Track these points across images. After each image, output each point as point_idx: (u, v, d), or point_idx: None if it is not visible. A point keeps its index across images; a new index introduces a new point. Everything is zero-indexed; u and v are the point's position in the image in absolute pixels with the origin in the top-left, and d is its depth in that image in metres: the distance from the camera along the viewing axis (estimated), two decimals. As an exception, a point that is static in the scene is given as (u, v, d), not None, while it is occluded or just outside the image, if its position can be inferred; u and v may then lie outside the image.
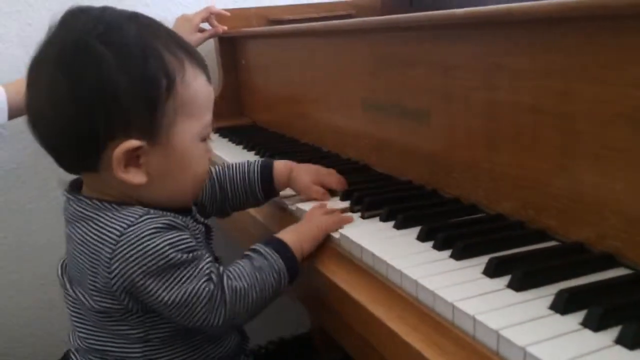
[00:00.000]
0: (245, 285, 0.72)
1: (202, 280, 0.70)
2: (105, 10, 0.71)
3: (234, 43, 1.68)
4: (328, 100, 1.23)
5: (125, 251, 0.68)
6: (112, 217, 0.70)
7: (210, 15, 1.60)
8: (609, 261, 0.63)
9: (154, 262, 0.68)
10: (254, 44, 1.61)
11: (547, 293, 0.57)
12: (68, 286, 0.77)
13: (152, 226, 0.69)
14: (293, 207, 0.91)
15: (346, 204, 0.88)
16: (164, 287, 0.68)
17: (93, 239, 0.70)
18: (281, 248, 0.76)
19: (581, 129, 0.65)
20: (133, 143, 0.69)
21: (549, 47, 0.68)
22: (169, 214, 0.72)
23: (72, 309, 0.78)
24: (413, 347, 0.56)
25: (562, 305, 0.54)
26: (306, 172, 0.93)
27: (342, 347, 0.77)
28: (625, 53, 0.60)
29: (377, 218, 0.82)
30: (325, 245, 0.80)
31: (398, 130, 0.98)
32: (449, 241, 0.70)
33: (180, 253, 0.69)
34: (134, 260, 0.68)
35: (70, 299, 0.77)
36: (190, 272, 0.70)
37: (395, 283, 0.66)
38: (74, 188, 0.77)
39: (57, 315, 1.64)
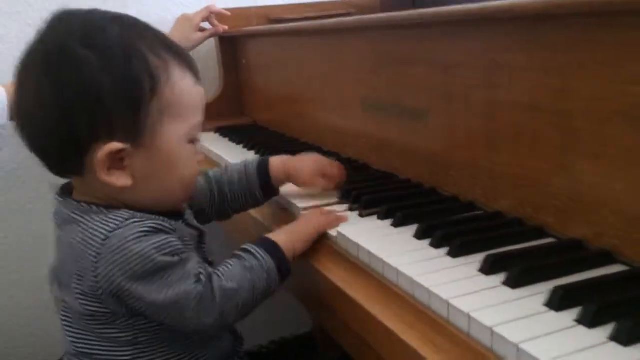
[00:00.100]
0: (235, 286, 0.71)
1: (191, 282, 0.69)
2: (91, 12, 0.71)
3: (234, 42, 1.68)
4: (328, 99, 1.23)
5: (109, 255, 0.67)
6: (97, 221, 0.69)
7: (211, 15, 1.60)
8: (606, 258, 0.62)
9: (139, 266, 0.67)
10: (254, 43, 1.61)
11: (543, 290, 0.57)
12: (57, 290, 0.76)
13: (137, 230, 0.68)
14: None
15: (345, 204, 0.88)
16: (151, 290, 0.67)
17: (79, 242, 0.70)
18: (272, 248, 0.76)
19: (579, 126, 0.65)
20: (116, 145, 0.68)
21: (546, 44, 0.68)
22: (155, 217, 0.71)
23: (62, 313, 0.77)
24: (409, 346, 0.56)
25: (557, 302, 0.54)
26: (307, 165, 0.92)
27: (340, 346, 0.76)
28: (622, 50, 0.60)
29: (375, 216, 0.82)
30: (322, 243, 0.80)
31: (398, 130, 0.98)
32: (446, 239, 0.69)
33: (166, 256, 0.68)
34: (118, 265, 0.67)
35: (59, 303, 0.76)
36: (178, 274, 0.68)
37: (391, 281, 0.66)
38: (65, 192, 0.77)
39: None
